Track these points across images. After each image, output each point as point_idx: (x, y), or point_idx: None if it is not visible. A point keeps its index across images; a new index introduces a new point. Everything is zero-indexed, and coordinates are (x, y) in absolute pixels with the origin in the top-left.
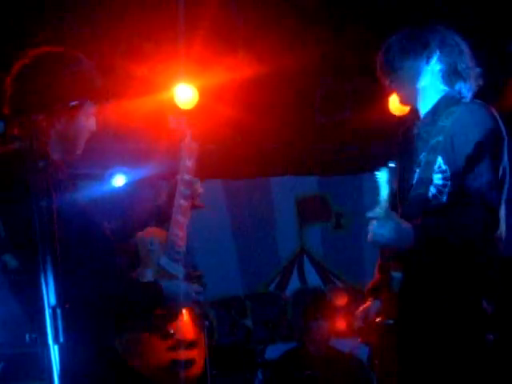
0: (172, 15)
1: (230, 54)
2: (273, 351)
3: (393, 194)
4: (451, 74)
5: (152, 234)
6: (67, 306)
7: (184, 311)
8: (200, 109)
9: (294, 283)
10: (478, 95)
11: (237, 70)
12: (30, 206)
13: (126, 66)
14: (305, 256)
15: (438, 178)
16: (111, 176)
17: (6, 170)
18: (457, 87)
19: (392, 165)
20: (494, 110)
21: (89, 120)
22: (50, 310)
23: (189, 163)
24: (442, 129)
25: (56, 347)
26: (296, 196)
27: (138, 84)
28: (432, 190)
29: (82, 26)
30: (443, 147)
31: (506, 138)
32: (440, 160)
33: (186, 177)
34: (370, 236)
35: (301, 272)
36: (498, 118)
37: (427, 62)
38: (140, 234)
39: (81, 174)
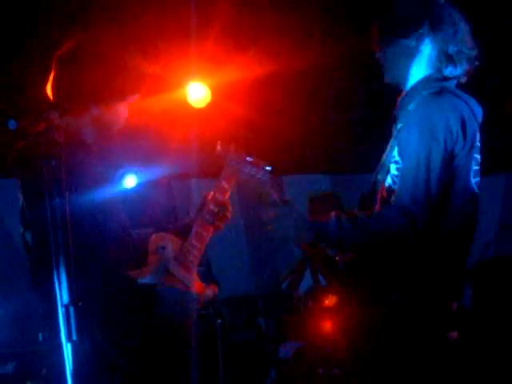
0: (184, 13)
1: (243, 53)
2: (286, 350)
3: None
4: (442, 58)
5: (164, 238)
6: (80, 304)
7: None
8: (212, 107)
9: (307, 282)
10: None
11: (249, 69)
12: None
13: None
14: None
15: (393, 168)
16: (122, 176)
17: (26, 159)
18: (447, 70)
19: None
20: (459, 106)
21: (125, 108)
22: (63, 309)
23: (226, 185)
24: (406, 114)
25: (69, 345)
26: (308, 194)
27: (151, 82)
28: (389, 180)
29: (92, 24)
30: (400, 137)
31: (452, 136)
32: (396, 149)
33: (220, 197)
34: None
35: (313, 270)
36: (456, 112)
37: (419, 43)
38: (154, 236)
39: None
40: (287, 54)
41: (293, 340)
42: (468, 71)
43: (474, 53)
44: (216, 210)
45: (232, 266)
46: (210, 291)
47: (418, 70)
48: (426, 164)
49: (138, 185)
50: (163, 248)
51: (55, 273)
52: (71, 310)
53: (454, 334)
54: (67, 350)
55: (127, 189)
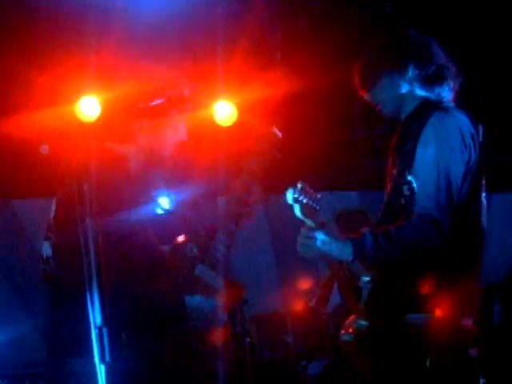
0: (211, 32)
1: (269, 70)
2: (315, 367)
3: (316, 210)
4: (429, 79)
5: (192, 240)
6: (113, 325)
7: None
8: (239, 125)
9: (335, 298)
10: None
11: (275, 86)
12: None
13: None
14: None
15: (406, 189)
16: (157, 198)
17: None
18: (436, 91)
19: (299, 185)
20: (463, 119)
21: (178, 131)
22: (97, 330)
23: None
24: (413, 136)
25: (103, 367)
26: (336, 211)
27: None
28: (402, 201)
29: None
30: (410, 156)
31: (466, 148)
32: (406, 170)
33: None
34: (298, 247)
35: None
36: (463, 128)
37: (403, 73)
38: (178, 240)
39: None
40: (314, 71)
41: (322, 357)
42: (454, 87)
43: (452, 67)
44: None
45: (260, 284)
46: (235, 295)
47: (410, 98)
48: (446, 173)
49: (172, 206)
50: (191, 249)
51: (88, 295)
52: (104, 331)
53: (475, 351)
54: (101, 372)
55: (162, 210)
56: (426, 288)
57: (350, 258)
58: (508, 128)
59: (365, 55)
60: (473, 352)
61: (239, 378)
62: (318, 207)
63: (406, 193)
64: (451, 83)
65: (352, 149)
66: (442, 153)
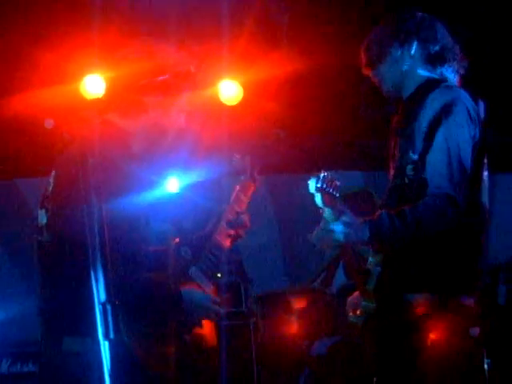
0: (216, 11)
1: (275, 50)
2: (319, 346)
3: (336, 198)
4: (432, 59)
5: (185, 243)
6: (117, 302)
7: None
8: (244, 105)
9: (340, 278)
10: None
11: (281, 66)
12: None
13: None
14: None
15: (409, 169)
16: (165, 181)
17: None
18: (438, 71)
19: (322, 174)
20: (465, 95)
21: (179, 116)
22: (100, 307)
23: (244, 198)
24: (416, 115)
25: (106, 343)
26: (342, 191)
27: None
28: (406, 181)
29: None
30: (414, 136)
31: (472, 123)
32: (411, 149)
33: (238, 209)
34: (316, 241)
35: (346, 267)
36: (467, 104)
37: (407, 50)
38: (174, 241)
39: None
40: (320, 51)
41: (326, 337)
42: (458, 69)
43: (457, 49)
44: (235, 220)
45: (265, 264)
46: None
47: (412, 76)
48: (457, 149)
49: (182, 188)
50: (185, 252)
51: (92, 272)
52: (108, 308)
53: (476, 330)
54: (105, 349)
55: (171, 193)
56: (429, 267)
57: (367, 241)
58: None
59: (371, 33)
60: (474, 331)
61: (243, 357)
62: (338, 194)
63: (410, 173)
64: (455, 65)
65: (357, 129)
66: (450, 129)
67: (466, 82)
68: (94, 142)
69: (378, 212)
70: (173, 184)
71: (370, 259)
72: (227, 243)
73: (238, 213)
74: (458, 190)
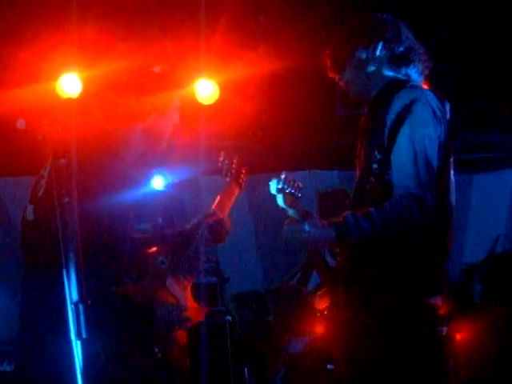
0: (192, 10)
1: (251, 49)
2: (295, 345)
3: (298, 198)
4: (397, 59)
5: (163, 252)
6: (89, 302)
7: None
8: (220, 104)
9: (316, 277)
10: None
11: (258, 65)
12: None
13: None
14: (326, 249)
15: (375, 168)
16: (150, 178)
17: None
18: (403, 71)
19: (283, 175)
20: (430, 95)
21: (175, 113)
22: (73, 306)
23: (228, 203)
24: (381, 115)
25: (79, 343)
26: (317, 190)
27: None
28: (372, 180)
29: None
30: (378, 135)
31: (437, 122)
32: (376, 148)
33: (221, 214)
34: (286, 240)
35: None
36: (432, 103)
37: (372, 52)
38: (151, 250)
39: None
40: (295, 49)
41: (302, 335)
42: (423, 70)
43: (421, 50)
44: (216, 225)
45: (241, 263)
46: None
47: (378, 77)
48: (422, 149)
49: (166, 186)
50: (162, 262)
51: (65, 271)
52: (80, 307)
53: (444, 329)
54: (77, 348)
55: (156, 190)
56: (392, 266)
57: (334, 242)
58: (488, 109)
59: (334, 37)
60: (443, 330)
61: (219, 356)
62: (300, 195)
63: (376, 172)
64: (420, 66)
65: (332, 128)
66: (415, 128)
67: (442, 84)
68: (67, 142)
69: (344, 213)
70: (158, 182)
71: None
72: (205, 248)
73: (220, 219)
74: (426, 189)
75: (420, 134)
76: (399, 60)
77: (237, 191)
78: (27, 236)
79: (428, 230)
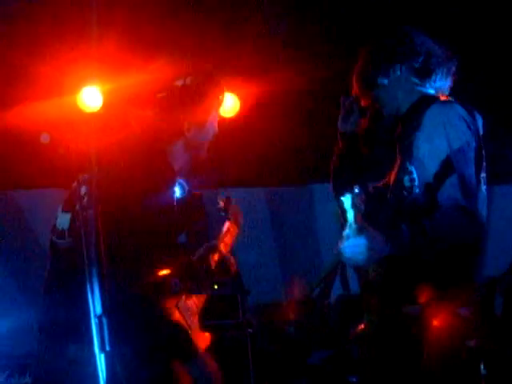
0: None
1: (272, 61)
2: (317, 358)
3: (363, 215)
4: (419, 73)
5: (177, 275)
6: (113, 315)
7: None
8: (243, 118)
9: (337, 290)
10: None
11: (281, 82)
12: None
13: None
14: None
15: (407, 180)
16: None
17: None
18: (428, 82)
19: (356, 190)
20: (462, 110)
21: (214, 122)
22: (96, 319)
23: (228, 240)
24: (412, 130)
25: (102, 355)
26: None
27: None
28: (404, 193)
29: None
30: (411, 149)
31: (472, 136)
32: (408, 161)
33: (224, 250)
34: (343, 257)
35: (343, 279)
36: (466, 118)
37: (392, 75)
38: (166, 271)
39: None
40: (316, 66)
41: (323, 348)
42: (448, 71)
43: (441, 52)
44: (219, 263)
45: (262, 275)
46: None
47: (406, 95)
48: (463, 163)
49: (183, 195)
50: (176, 285)
51: (88, 284)
52: (104, 320)
53: (473, 342)
54: (100, 361)
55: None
56: (423, 279)
57: (386, 254)
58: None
59: (356, 66)
60: (471, 343)
61: (240, 367)
62: (363, 208)
63: (407, 184)
64: (443, 69)
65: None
66: (453, 142)
67: (463, 97)
68: (89, 155)
69: (397, 224)
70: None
71: (371, 271)
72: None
73: (223, 256)
74: (472, 200)
75: (458, 146)
76: (421, 73)
77: (236, 231)
78: (59, 243)
79: (460, 241)
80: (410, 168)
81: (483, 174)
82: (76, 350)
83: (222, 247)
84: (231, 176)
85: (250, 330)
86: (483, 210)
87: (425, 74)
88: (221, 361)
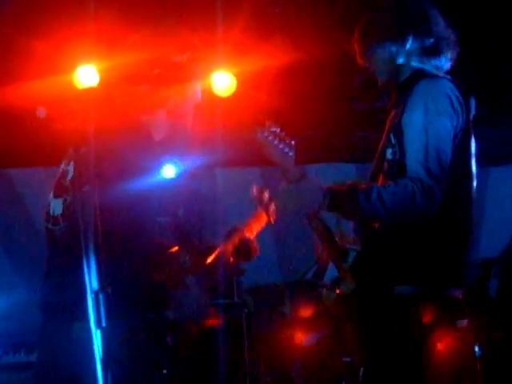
0: (210, 1)
1: (268, 41)
2: (311, 338)
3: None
4: (427, 52)
5: (185, 253)
6: (109, 291)
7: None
8: (238, 96)
9: (332, 271)
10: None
11: (275, 57)
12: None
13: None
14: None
15: (389, 153)
16: (161, 167)
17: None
18: (433, 63)
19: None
20: (452, 88)
21: (196, 94)
22: (93, 295)
23: (256, 226)
24: (401, 104)
25: (98, 332)
26: (335, 183)
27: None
28: (385, 166)
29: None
30: (396, 122)
31: (454, 114)
32: (392, 133)
33: (248, 235)
34: (279, 204)
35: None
36: (451, 95)
37: (401, 45)
38: (174, 249)
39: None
40: (312, 41)
41: (318, 329)
42: (451, 57)
43: (452, 37)
44: (241, 247)
45: (258, 256)
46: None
47: (406, 68)
48: (436, 138)
49: (178, 175)
50: (184, 263)
51: (85, 260)
52: (100, 296)
53: (464, 323)
54: (96, 337)
55: (166, 179)
56: (414, 258)
57: (325, 207)
58: (506, 103)
59: (364, 23)
60: (462, 323)
61: (236, 348)
62: (292, 154)
63: (389, 157)
64: (448, 54)
65: (351, 121)
66: (431, 117)
67: (462, 77)
68: (86, 131)
69: (347, 183)
70: (169, 170)
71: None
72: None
73: (246, 240)
74: (435, 180)
75: (435, 123)
76: (429, 52)
77: (265, 221)
78: (55, 229)
79: (450, 223)
80: (393, 141)
81: (472, 151)
82: (79, 329)
83: (247, 231)
84: (227, 155)
85: (245, 310)
86: (473, 190)
87: (431, 54)
88: (216, 341)
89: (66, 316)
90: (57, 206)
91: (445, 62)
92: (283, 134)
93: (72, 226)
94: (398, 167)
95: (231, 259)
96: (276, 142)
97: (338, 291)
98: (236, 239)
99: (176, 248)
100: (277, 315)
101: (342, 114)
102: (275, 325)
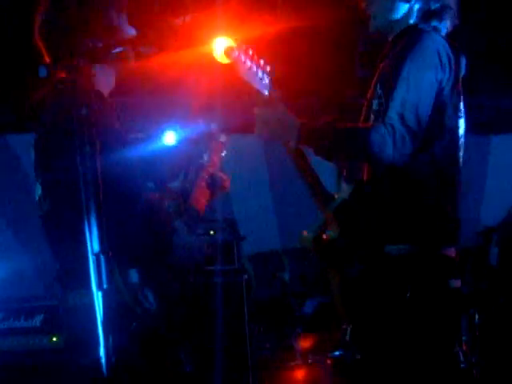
0: None
1: (269, 7)
2: (311, 305)
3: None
4: (429, 15)
5: (168, 198)
6: (110, 253)
7: None
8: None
9: None
10: None
11: (276, 23)
12: (74, 154)
13: (165, 19)
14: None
15: (375, 104)
16: (161, 133)
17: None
18: (431, 25)
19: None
20: (443, 44)
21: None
22: (94, 257)
23: (215, 158)
24: (391, 56)
25: (100, 293)
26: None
27: (178, 37)
28: (371, 117)
29: None
30: (383, 72)
31: (441, 69)
32: (378, 83)
33: (211, 170)
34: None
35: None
36: (441, 52)
37: (407, 3)
38: (155, 196)
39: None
40: (314, 7)
41: (318, 295)
42: (448, 27)
43: (455, 7)
44: (210, 180)
45: (257, 223)
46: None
47: (403, 23)
48: (417, 88)
49: (179, 142)
50: (169, 207)
51: (86, 222)
52: (102, 258)
53: (457, 282)
54: (98, 299)
55: (167, 145)
56: (403, 218)
57: (293, 141)
58: (507, 71)
59: None
60: (455, 282)
61: (235, 315)
62: (266, 80)
63: (375, 108)
64: (448, 22)
65: (353, 88)
66: (415, 69)
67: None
68: (88, 92)
69: (323, 119)
70: (169, 137)
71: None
72: (205, 200)
73: (212, 174)
74: (407, 129)
75: (418, 75)
76: (431, 16)
77: (221, 149)
78: (43, 213)
79: (437, 180)
80: (379, 92)
81: (459, 113)
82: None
83: (211, 166)
84: (227, 123)
85: (245, 276)
86: (460, 152)
87: (434, 19)
88: (215, 307)
89: (70, 284)
90: (38, 189)
91: (442, 28)
92: (262, 61)
93: (55, 204)
94: (383, 118)
95: (208, 194)
96: (250, 63)
97: (324, 236)
98: (205, 175)
99: (157, 195)
100: (277, 282)
101: (344, 80)
102: (275, 291)
